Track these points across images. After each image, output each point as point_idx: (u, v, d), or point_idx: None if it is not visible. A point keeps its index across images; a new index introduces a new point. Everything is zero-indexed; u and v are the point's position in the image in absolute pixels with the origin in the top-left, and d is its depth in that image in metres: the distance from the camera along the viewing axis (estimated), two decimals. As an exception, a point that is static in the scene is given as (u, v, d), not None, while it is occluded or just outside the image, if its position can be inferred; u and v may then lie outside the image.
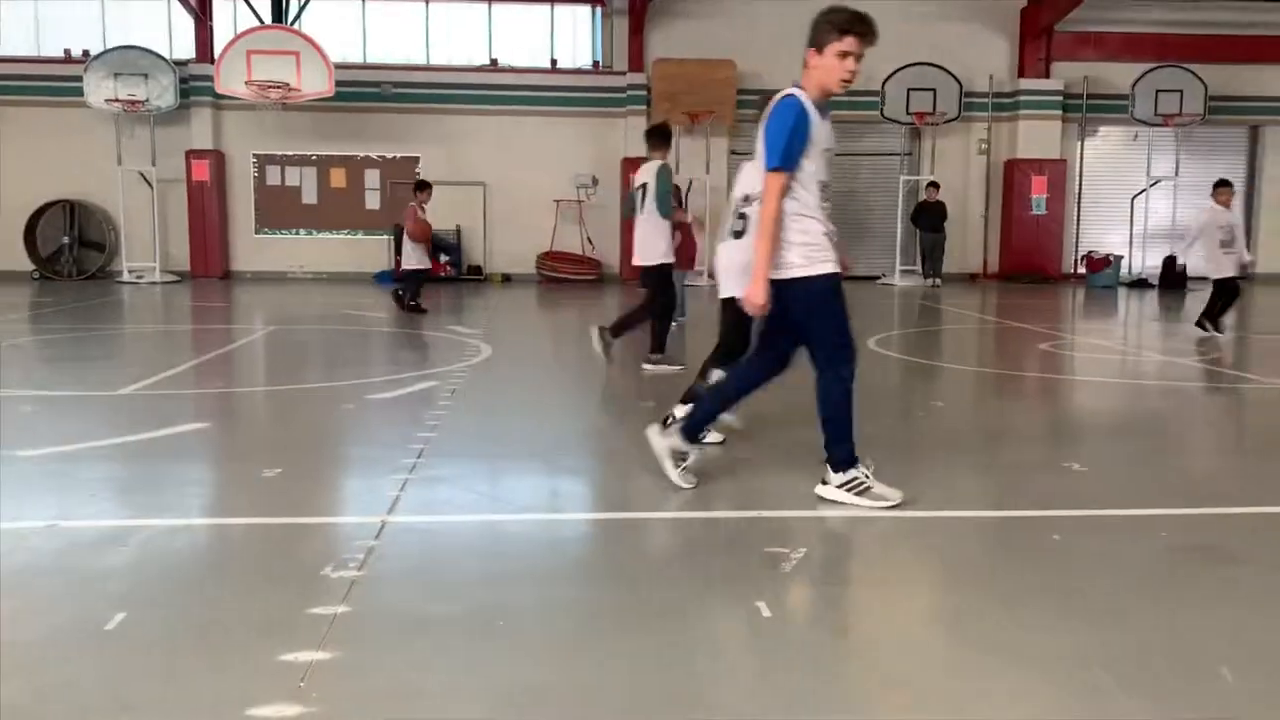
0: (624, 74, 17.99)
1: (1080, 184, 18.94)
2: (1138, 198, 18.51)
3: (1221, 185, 11.01)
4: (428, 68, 18.16)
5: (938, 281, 17.34)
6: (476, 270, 18.11)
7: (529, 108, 18.06)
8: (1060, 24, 18.12)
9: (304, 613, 2.93)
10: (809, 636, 2.93)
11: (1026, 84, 18.29)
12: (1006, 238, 18.58)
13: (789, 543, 3.61)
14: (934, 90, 17.43)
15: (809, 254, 3.94)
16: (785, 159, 3.86)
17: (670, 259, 7.75)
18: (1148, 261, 18.19)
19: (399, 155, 18.16)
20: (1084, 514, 4.10)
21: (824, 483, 4.13)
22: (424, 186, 12.57)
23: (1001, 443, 5.69)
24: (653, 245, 7.66)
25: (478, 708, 2.42)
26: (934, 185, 17.84)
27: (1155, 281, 17.58)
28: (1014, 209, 18.40)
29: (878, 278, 17.88)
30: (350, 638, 2.79)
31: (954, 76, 17.52)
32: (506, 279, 18.01)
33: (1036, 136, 18.36)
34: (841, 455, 4.08)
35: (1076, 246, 18.84)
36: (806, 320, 4.04)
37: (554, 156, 17.95)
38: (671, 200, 7.69)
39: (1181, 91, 17.70)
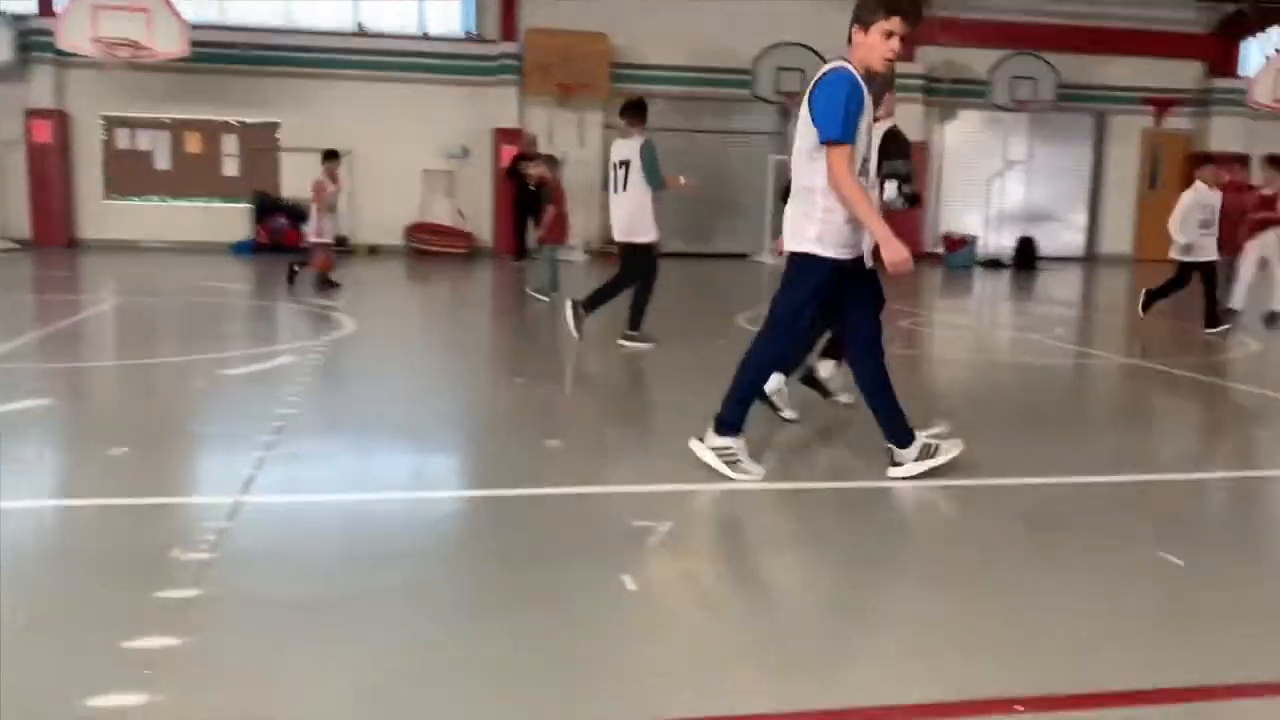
0: (496, 43, 17.70)
1: (940, 166, 19.58)
2: (993, 180, 19.25)
3: (1207, 162, 10.12)
4: (291, 30, 17.48)
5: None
6: (342, 241, 17.59)
7: (397, 74, 17.58)
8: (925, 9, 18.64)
9: (151, 597, 2.80)
10: (672, 608, 2.96)
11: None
12: (879, 218, 19.08)
13: (656, 516, 3.63)
14: (803, 71, 17.70)
15: (825, 235, 3.94)
16: (845, 130, 3.83)
17: (657, 236, 7.65)
18: (1002, 242, 18.94)
19: (259, 121, 17.46)
20: (938, 484, 4.25)
21: (699, 439, 4.16)
22: (332, 155, 11.75)
23: (859, 416, 5.85)
24: (640, 222, 7.55)
25: (337, 694, 2.36)
26: (802, 164, 18.20)
27: (1009, 261, 18.35)
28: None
29: (747, 255, 18.14)
30: (201, 623, 2.69)
31: (822, 58, 17.80)
32: (373, 251, 17.57)
33: (901, 118, 18.72)
34: (731, 420, 4.12)
35: (936, 226, 19.50)
36: (784, 288, 4.09)
37: (423, 126, 17.53)
38: (661, 171, 7.55)
39: (1035, 79, 18.44)
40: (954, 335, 9.72)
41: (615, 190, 7.65)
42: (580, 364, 7.49)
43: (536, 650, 2.60)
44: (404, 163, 17.47)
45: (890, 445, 4.24)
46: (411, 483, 4.26)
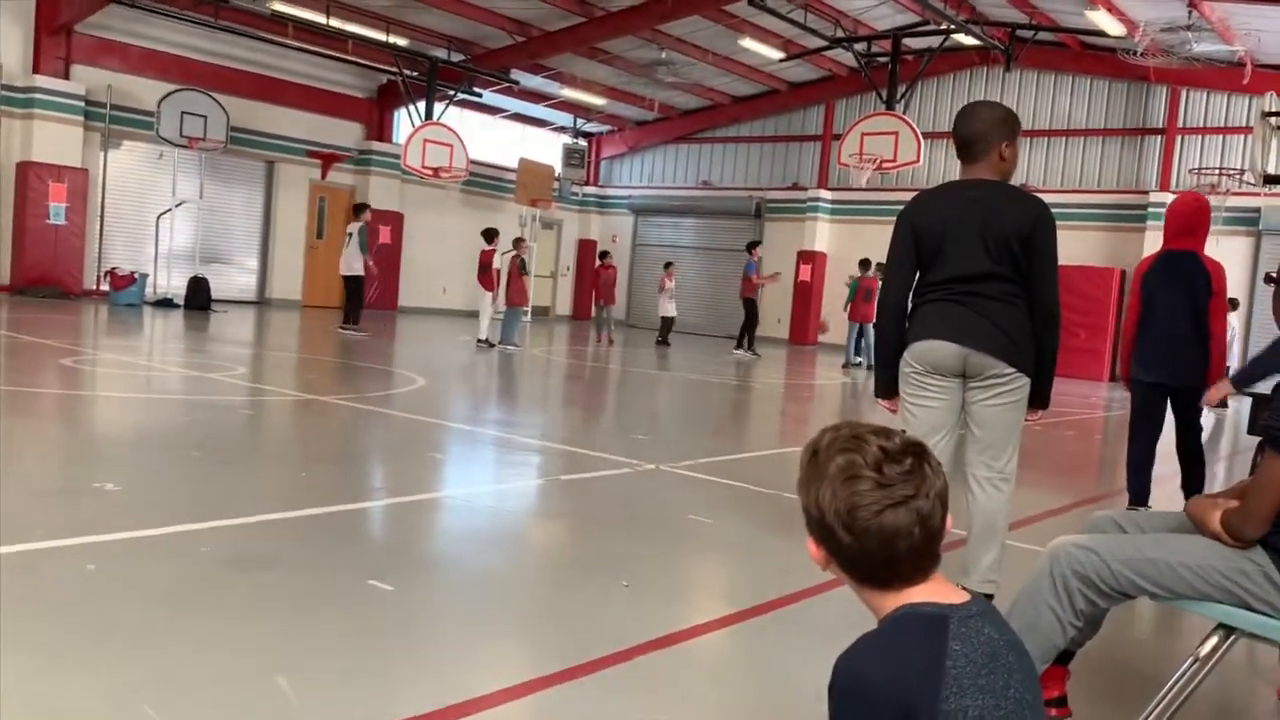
0: None
1: (104, 197, 18.05)
2: (163, 217, 18.32)
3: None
4: None
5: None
6: None
7: None
8: (82, 26, 17.08)
9: None
10: None
11: (43, 82, 16.76)
12: (19, 247, 16.77)
13: None
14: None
15: None
16: None
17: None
18: (174, 281, 18.10)
19: None
20: (122, 537, 3.70)
21: None
22: None
23: (19, 467, 4.93)
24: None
25: None
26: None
27: (181, 301, 17.62)
28: (27, 216, 16.70)
29: None
30: None
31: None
32: None
33: (55, 140, 16.93)
34: None
35: (100, 262, 17.90)
36: None
37: None
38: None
39: (206, 117, 18.08)
40: (126, 374, 8.89)
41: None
42: None
43: None
44: None
45: None
46: None
